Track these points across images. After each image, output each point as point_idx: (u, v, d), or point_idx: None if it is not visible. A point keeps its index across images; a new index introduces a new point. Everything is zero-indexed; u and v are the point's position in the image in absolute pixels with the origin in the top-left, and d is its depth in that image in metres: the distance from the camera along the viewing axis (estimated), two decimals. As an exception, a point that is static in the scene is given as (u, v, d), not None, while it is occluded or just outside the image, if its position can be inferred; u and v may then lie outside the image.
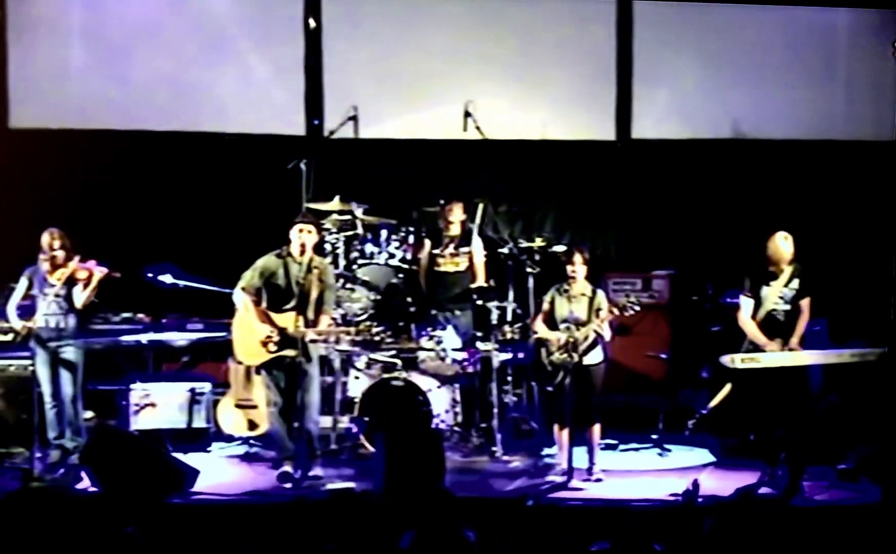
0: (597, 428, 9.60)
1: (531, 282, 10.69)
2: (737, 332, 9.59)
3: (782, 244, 9.40)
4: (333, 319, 9.87)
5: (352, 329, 10.01)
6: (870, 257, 11.51)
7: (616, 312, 9.54)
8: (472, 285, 10.89)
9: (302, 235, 9.52)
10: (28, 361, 9.94)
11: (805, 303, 9.40)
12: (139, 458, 8.77)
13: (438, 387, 10.47)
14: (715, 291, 11.49)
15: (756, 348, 9.34)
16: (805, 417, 9.30)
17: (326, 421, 10.37)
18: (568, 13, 12.67)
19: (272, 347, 9.38)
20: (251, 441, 10.68)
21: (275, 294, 9.55)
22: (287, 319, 9.38)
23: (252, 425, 10.64)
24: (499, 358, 10.52)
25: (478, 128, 11.13)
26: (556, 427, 9.69)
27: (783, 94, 12.55)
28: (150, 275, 11.14)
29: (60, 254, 9.73)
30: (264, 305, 9.55)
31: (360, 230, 11.13)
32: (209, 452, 10.61)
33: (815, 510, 8.52)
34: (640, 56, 12.65)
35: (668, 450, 10.62)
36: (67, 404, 9.79)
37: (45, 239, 9.75)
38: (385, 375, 10.43)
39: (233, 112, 12.49)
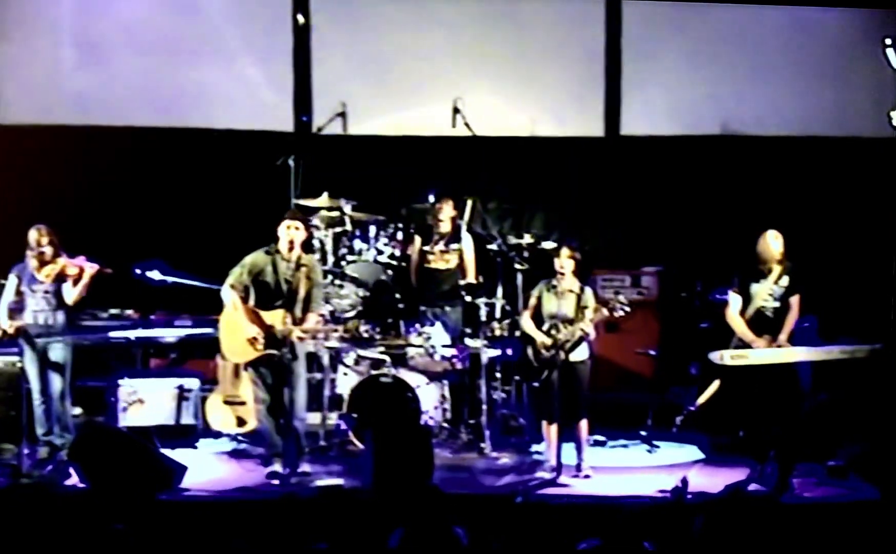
0: (584, 424, 9.58)
1: (520, 278, 10.68)
2: (726, 328, 9.62)
3: (772, 242, 9.43)
4: (322, 315, 9.82)
5: (340, 327, 9.99)
6: (861, 254, 11.57)
7: (605, 312, 9.53)
8: (462, 282, 10.89)
9: (290, 232, 9.47)
10: (16, 358, 9.92)
11: (794, 300, 9.43)
12: (127, 454, 8.73)
13: (427, 383, 10.46)
14: (704, 287, 11.49)
15: (745, 345, 9.36)
16: (795, 413, 9.31)
17: (315, 418, 10.36)
18: (557, 10, 12.66)
19: (259, 346, 9.34)
20: (239, 438, 10.69)
21: (263, 291, 9.48)
22: (275, 317, 9.32)
23: (240, 422, 10.64)
24: (487, 354, 10.51)
25: (466, 124, 11.09)
26: (544, 423, 9.69)
27: (773, 91, 12.55)
28: (138, 271, 11.09)
29: (48, 250, 9.68)
30: (252, 302, 9.50)
31: (348, 227, 11.07)
32: (197, 448, 10.59)
33: (805, 507, 8.52)
34: (629, 53, 12.65)
35: (657, 446, 10.63)
36: (56, 401, 9.75)
37: (33, 235, 9.69)
38: (374, 372, 10.40)
39: (221, 108, 12.48)
